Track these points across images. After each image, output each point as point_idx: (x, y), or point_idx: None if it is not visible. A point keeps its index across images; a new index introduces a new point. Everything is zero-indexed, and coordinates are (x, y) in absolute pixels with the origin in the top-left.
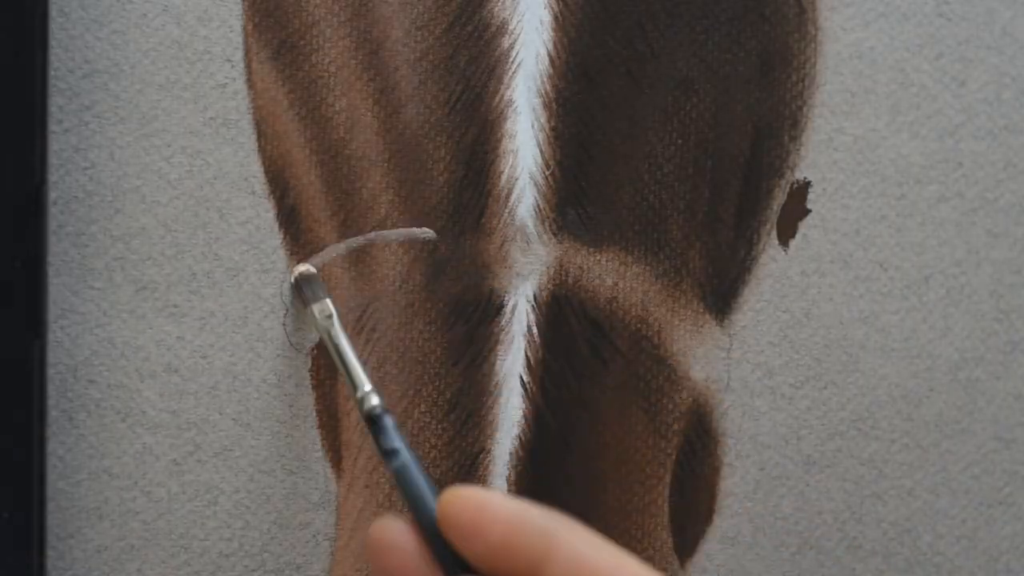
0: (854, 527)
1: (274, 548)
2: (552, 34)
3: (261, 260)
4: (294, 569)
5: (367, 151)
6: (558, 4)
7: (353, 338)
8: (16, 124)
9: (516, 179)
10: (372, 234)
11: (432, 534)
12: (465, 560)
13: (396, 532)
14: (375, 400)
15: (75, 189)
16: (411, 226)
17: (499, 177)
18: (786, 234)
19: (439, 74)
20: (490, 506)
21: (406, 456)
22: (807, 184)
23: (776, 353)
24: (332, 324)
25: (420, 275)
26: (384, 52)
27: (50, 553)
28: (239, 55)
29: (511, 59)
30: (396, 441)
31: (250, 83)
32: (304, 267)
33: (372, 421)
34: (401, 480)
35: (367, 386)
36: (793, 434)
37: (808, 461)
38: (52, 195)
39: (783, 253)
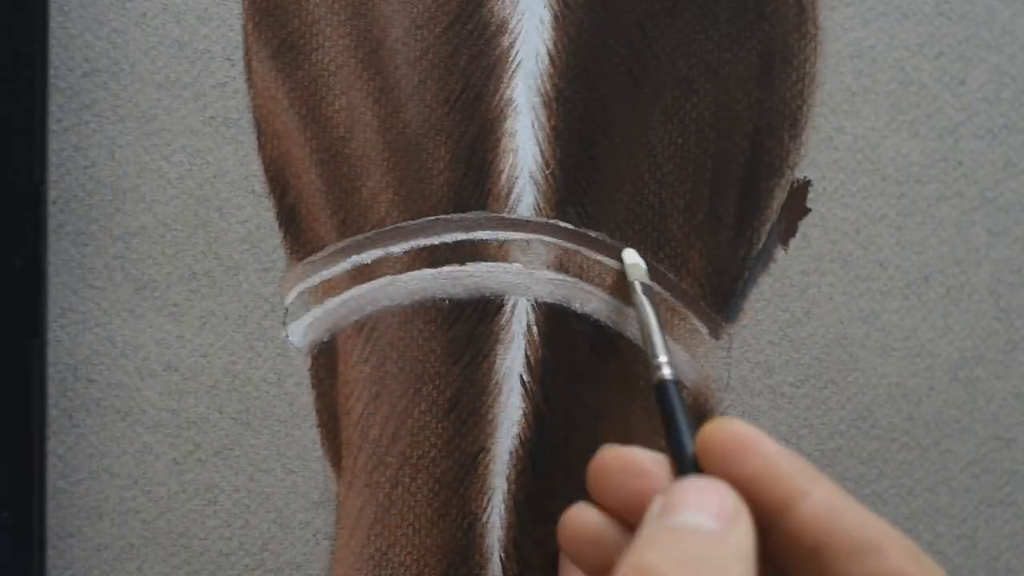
0: None
1: (274, 547)
2: (552, 33)
3: (261, 259)
4: (294, 568)
5: (367, 150)
6: (558, 3)
7: (353, 338)
8: (16, 124)
9: (516, 178)
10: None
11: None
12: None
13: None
14: (667, 372)
15: (75, 189)
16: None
17: (499, 176)
18: (786, 234)
19: (439, 73)
20: (755, 440)
21: (683, 417)
22: (807, 183)
23: (776, 353)
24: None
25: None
26: (384, 51)
27: (50, 553)
28: (239, 54)
29: (511, 58)
30: (679, 409)
31: (250, 82)
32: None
33: (662, 389)
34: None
35: (663, 357)
36: (793, 434)
37: (808, 461)
38: (52, 195)
39: (783, 253)
